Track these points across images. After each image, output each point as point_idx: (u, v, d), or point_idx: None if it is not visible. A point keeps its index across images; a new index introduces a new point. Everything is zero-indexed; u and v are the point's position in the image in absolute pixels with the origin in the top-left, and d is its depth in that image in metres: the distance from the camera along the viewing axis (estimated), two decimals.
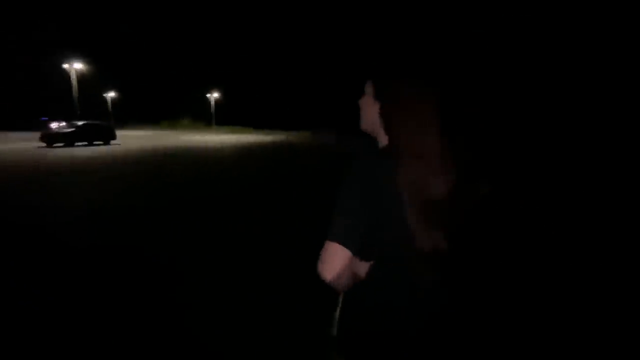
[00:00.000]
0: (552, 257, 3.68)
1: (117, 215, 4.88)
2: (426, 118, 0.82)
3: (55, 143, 16.36)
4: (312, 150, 18.72)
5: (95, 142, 18.32)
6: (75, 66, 32.53)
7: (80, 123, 18.00)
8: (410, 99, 0.83)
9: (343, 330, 0.90)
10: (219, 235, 4.13)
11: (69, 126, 17.54)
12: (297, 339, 2.11)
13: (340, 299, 0.94)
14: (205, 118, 52.48)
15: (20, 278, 2.87)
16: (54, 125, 17.85)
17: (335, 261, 0.76)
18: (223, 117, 51.50)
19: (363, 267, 0.84)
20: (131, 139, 23.37)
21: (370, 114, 0.91)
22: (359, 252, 0.81)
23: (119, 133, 21.51)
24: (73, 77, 32.35)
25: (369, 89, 0.92)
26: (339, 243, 0.76)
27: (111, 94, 48.61)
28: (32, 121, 29.35)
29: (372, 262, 0.83)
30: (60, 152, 13.91)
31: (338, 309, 0.94)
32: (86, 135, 17.80)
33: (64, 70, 33.18)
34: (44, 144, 16.21)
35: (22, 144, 16.86)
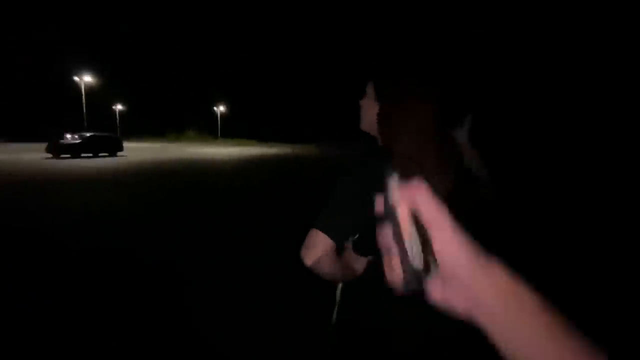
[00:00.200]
0: (551, 258, 3.69)
1: (119, 221, 4.84)
2: (423, 119, 0.82)
3: (61, 154, 16.32)
4: (318, 162, 18.53)
5: (101, 154, 18.28)
6: (85, 79, 33.07)
7: (87, 134, 18.02)
8: (409, 100, 0.83)
9: (340, 325, 0.91)
10: (220, 243, 4.13)
11: (75, 137, 17.55)
12: (299, 342, 2.10)
13: (338, 294, 0.94)
14: (211, 130, 52.88)
15: (24, 281, 2.90)
16: (68, 136, 17.90)
17: (316, 247, 0.77)
18: (229, 130, 51.87)
19: (360, 263, 0.86)
20: (137, 151, 23.45)
21: (370, 114, 0.92)
22: (355, 247, 0.84)
23: (126, 145, 21.53)
24: (82, 89, 32.84)
25: (370, 90, 0.94)
26: (321, 230, 0.77)
27: (119, 107, 49.25)
28: (39, 131, 29.58)
29: (369, 259, 0.85)
30: (67, 163, 13.82)
31: (335, 309, 0.94)
32: (93, 147, 17.78)
33: (73, 82, 33.74)
34: (50, 155, 16.20)
35: (27, 155, 16.87)
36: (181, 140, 48.21)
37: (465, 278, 0.28)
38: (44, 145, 17.09)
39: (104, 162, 15.05)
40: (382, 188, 0.70)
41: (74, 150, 16.80)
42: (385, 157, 0.81)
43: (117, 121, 48.24)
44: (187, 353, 2.00)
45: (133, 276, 3.03)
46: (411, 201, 0.31)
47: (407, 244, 0.33)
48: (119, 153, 19.38)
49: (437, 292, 0.30)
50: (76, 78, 33.30)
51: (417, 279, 0.32)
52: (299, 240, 0.80)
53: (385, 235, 0.34)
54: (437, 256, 0.30)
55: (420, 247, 0.39)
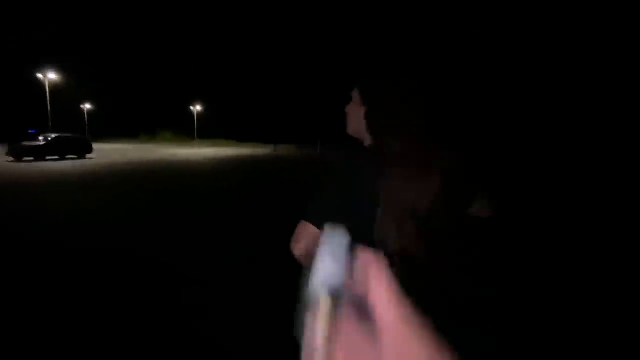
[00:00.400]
0: (542, 264, 3.65)
1: (89, 226, 4.62)
2: (409, 124, 0.83)
3: (24, 157, 15.29)
4: (299, 163, 18.38)
5: (68, 156, 17.29)
6: (50, 76, 31.20)
7: (52, 136, 16.98)
8: (394, 105, 0.85)
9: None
10: (199, 245, 4.12)
11: (39, 139, 16.51)
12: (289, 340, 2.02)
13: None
14: (187, 131, 51.36)
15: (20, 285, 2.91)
16: (41, 138, 16.79)
17: (305, 238, 0.79)
18: (206, 131, 50.55)
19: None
20: (108, 153, 22.41)
21: (356, 119, 0.94)
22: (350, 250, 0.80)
23: (95, 147, 20.51)
24: (47, 87, 30.98)
25: (355, 95, 0.95)
26: (309, 221, 0.80)
27: (87, 106, 46.90)
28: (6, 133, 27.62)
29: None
30: (31, 166, 12.94)
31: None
32: (59, 149, 16.78)
33: (36, 79, 31.77)
34: (11, 159, 15.14)
35: None
36: (155, 142, 46.54)
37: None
38: (4, 147, 16.02)
39: (71, 165, 14.22)
40: (363, 189, 0.78)
41: (38, 153, 15.78)
42: (372, 159, 0.83)
43: (86, 121, 45.95)
44: (185, 352, 2.02)
45: (109, 275, 3.02)
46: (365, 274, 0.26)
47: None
48: (87, 155, 18.42)
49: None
50: (40, 75, 31.37)
51: None
52: (281, 240, 0.83)
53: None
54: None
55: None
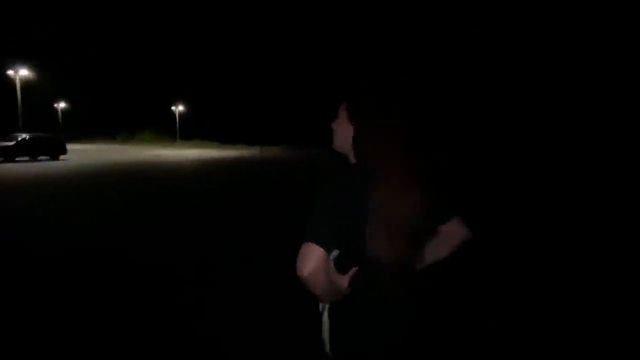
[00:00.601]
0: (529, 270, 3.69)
1: (59, 231, 4.33)
2: (396, 141, 0.87)
3: None
4: (287, 165, 18.08)
5: (41, 157, 16.33)
6: (21, 72, 29.57)
7: (23, 135, 16.01)
8: (383, 124, 0.89)
9: (334, 347, 0.93)
10: (191, 246, 4.09)
11: (8, 139, 15.52)
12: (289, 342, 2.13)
13: (325, 318, 0.95)
14: (169, 132, 49.90)
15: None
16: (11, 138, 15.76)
17: (311, 258, 0.79)
18: (189, 131, 49.22)
19: (342, 280, 0.88)
20: (84, 154, 21.43)
21: (344, 135, 0.96)
22: (338, 264, 0.89)
23: (71, 147, 19.51)
24: (17, 84, 29.33)
25: (342, 112, 0.97)
26: (314, 242, 0.80)
27: (62, 104, 44.87)
28: None
29: (351, 277, 0.88)
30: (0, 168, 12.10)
31: (326, 329, 0.96)
32: (30, 150, 15.82)
33: (7, 76, 30.05)
34: None
35: None
36: (135, 142, 45.00)
37: None
38: None
39: (43, 166, 13.41)
40: (357, 204, 0.83)
41: (8, 154, 14.85)
42: (361, 175, 0.86)
43: (60, 120, 43.92)
44: (183, 352, 2.02)
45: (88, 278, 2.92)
46: None
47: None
48: (61, 156, 17.46)
49: None
50: (10, 72, 29.69)
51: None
52: (271, 241, 0.98)
53: None
54: None
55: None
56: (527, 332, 2.38)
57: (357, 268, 0.88)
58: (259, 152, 32.25)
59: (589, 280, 3.33)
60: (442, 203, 0.96)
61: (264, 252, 3.82)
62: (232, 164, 18.94)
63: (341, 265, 0.90)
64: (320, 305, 0.97)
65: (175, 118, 49.50)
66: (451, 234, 1.01)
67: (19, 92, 29.34)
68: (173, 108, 49.94)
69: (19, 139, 15.64)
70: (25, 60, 30.31)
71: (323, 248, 0.80)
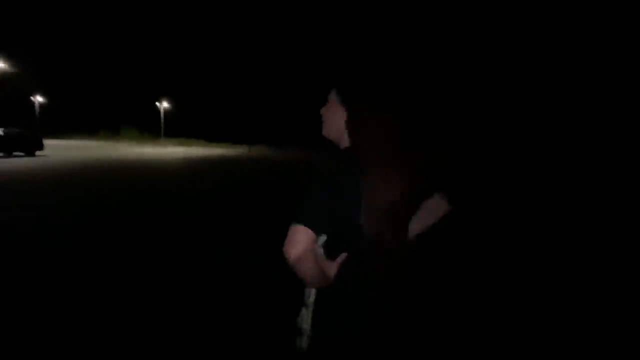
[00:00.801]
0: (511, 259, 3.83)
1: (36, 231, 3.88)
2: (388, 128, 0.89)
3: None
4: (282, 165, 17.72)
5: (16, 153, 15.39)
6: None
7: None
8: (375, 110, 0.90)
9: (318, 339, 0.92)
10: (185, 246, 3.98)
11: None
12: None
13: (308, 309, 0.94)
14: (152, 129, 48.48)
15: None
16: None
17: (299, 240, 0.79)
18: (173, 129, 47.96)
19: (331, 267, 0.88)
20: (62, 150, 20.40)
21: (334, 121, 0.96)
22: (327, 251, 0.89)
23: (48, 143, 18.53)
24: None
25: (333, 98, 0.97)
26: (303, 224, 0.80)
27: (39, 98, 42.91)
28: None
29: (339, 264, 0.88)
30: None
31: (304, 321, 0.95)
32: (4, 145, 14.88)
33: None
34: None
35: None
36: (117, 140, 43.48)
37: None
38: None
39: (17, 162, 12.60)
40: (348, 189, 0.84)
41: None
42: (352, 160, 0.87)
43: (37, 115, 41.99)
44: (181, 351, 2.00)
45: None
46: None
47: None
48: (38, 152, 16.53)
49: None
50: None
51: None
52: (265, 240, 0.98)
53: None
54: None
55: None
56: (517, 327, 2.40)
57: (345, 254, 0.88)
58: (248, 151, 31.65)
59: (589, 280, 3.35)
60: (427, 185, 0.98)
61: (258, 252, 3.73)
62: (221, 162, 18.41)
63: (330, 252, 0.89)
64: (307, 292, 0.95)
65: (160, 115, 48.17)
66: (433, 206, 1.04)
67: None
68: (157, 105, 48.56)
69: None
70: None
71: (312, 230, 0.79)
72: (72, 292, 2.65)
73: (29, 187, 7.64)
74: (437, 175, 1.03)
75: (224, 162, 18.59)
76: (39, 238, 4.01)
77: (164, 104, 48.54)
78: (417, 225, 1.02)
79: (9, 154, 15.08)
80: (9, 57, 29.47)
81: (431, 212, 1.05)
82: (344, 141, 0.95)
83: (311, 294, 0.94)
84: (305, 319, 0.94)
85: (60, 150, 20.16)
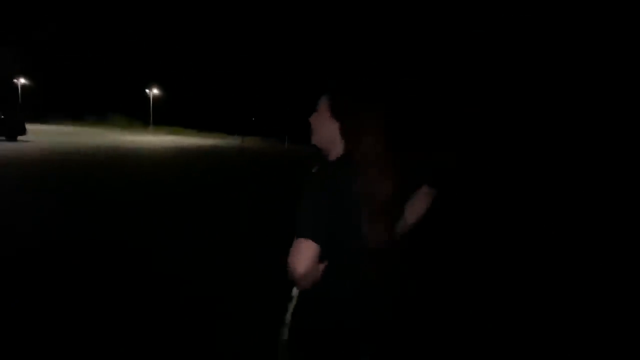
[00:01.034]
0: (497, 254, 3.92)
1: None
2: (380, 133, 0.93)
3: None
4: (278, 159, 17.32)
5: None
6: None
7: None
8: (367, 117, 0.94)
9: (296, 329, 0.95)
10: (182, 244, 3.80)
11: None
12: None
13: (292, 304, 0.98)
14: (141, 116, 47.14)
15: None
16: None
17: (306, 255, 0.80)
18: (163, 117, 46.73)
19: (321, 267, 0.90)
20: (46, 135, 19.54)
21: (325, 129, 0.98)
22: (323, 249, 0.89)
23: (31, 127, 17.67)
24: None
25: (323, 106, 0.98)
26: (308, 238, 0.81)
27: (22, 80, 41.12)
28: None
29: (325, 263, 0.89)
30: None
31: (289, 313, 0.98)
32: None
33: None
34: None
35: None
36: (104, 126, 42.12)
37: None
38: None
39: None
40: (343, 193, 0.87)
41: None
42: (346, 165, 0.90)
43: (19, 98, 40.26)
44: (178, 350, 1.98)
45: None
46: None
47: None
48: (19, 137, 15.73)
49: None
50: None
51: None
52: (263, 240, 1.11)
53: None
54: None
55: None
56: (512, 325, 2.40)
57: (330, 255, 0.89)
58: (240, 142, 31.07)
59: (588, 279, 3.39)
60: (413, 186, 1.04)
61: (259, 250, 3.67)
62: (215, 154, 17.92)
63: (322, 252, 0.90)
64: (294, 290, 0.98)
65: (149, 102, 46.83)
66: (422, 195, 1.09)
67: None
68: (147, 92, 47.16)
69: None
70: None
71: (317, 243, 0.81)
72: (66, 290, 2.54)
73: (9, 173, 7.12)
74: (427, 175, 1.09)
75: (219, 153, 18.10)
76: (21, 230, 3.66)
77: (154, 91, 47.18)
78: (411, 215, 1.07)
79: None
80: None
81: (421, 201, 1.09)
82: (336, 148, 0.96)
83: (296, 293, 0.98)
84: (289, 311, 0.97)
85: (43, 135, 19.30)
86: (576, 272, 3.63)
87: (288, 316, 0.97)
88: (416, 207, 1.10)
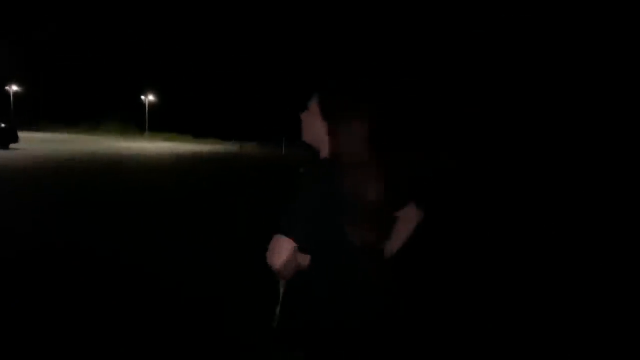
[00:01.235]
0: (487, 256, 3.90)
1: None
2: (366, 135, 0.94)
3: None
4: (285, 164, 17.10)
5: None
6: None
7: None
8: (356, 118, 0.95)
9: (285, 322, 0.98)
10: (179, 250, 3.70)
11: None
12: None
13: (281, 293, 1.02)
14: (136, 123, 46.66)
15: None
16: None
17: (281, 250, 0.85)
18: (158, 123, 46.27)
19: (304, 259, 0.93)
20: (39, 143, 19.14)
21: (314, 128, 1.01)
22: (302, 245, 0.90)
23: (24, 135, 17.29)
24: None
25: (313, 106, 1.01)
26: (285, 235, 0.85)
27: (14, 87, 40.57)
28: None
29: (312, 256, 0.93)
30: None
31: (279, 304, 1.02)
32: None
33: None
34: None
35: None
36: (99, 133, 41.57)
37: None
38: None
39: None
40: (328, 193, 0.89)
41: None
42: (331, 166, 0.91)
43: (11, 105, 39.67)
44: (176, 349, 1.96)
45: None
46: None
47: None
48: (12, 145, 15.33)
49: None
50: None
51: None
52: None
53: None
54: None
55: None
56: (508, 329, 2.38)
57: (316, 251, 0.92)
58: (239, 148, 30.77)
59: (587, 279, 3.37)
60: (400, 190, 1.02)
61: (256, 254, 3.40)
62: (214, 160, 17.66)
63: (306, 247, 0.93)
64: (281, 282, 1.00)
65: (144, 109, 46.42)
66: (407, 218, 1.06)
67: None
68: (142, 98, 46.78)
69: None
70: None
71: (293, 239, 0.84)
72: (65, 293, 2.52)
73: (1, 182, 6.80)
74: (414, 179, 1.07)
75: (218, 159, 17.85)
76: (14, 238, 3.52)
77: (149, 97, 46.82)
78: (396, 241, 1.05)
79: None
80: None
81: (406, 223, 1.06)
82: (323, 147, 0.98)
83: (282, 284, 1.00)
84: (279, 303, 1.01)
85: (36, 143, 18.90)
86: (576, 272, 3.61)
87: (276, 309, 1.01)
88: (401, 230, 1.07)
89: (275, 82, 50.03)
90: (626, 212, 6.90)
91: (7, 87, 40.08)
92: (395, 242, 1.05)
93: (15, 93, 40.72)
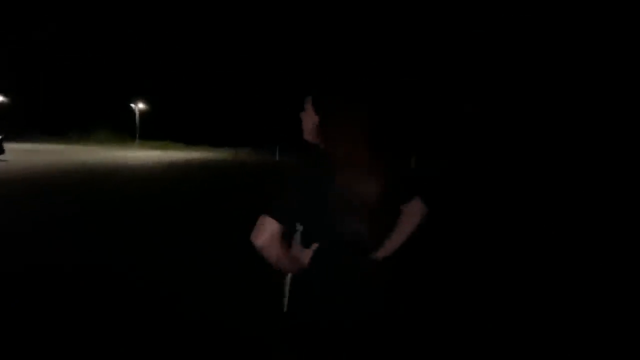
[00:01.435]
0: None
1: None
2: (358, 132, 0.96)
3: None
4: (273, 169, 16.90)
5: None
6: None
7: None
8: (346, 116, 0.97)
9: (290, 319, 0.99)
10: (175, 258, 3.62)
11: None
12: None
13: (287, 287, 1.02)
14: (127, 131, 45.98)
15: None
16: None
17: (264, 230, 0.86)
18: (150, 131, 45.66)
19: (305, 255, 0.95)
20: (25, 154, 18.57)
21: (310, 125, 1.05)
22: (286, 226, 0.91)
23: (9, 146, 16.79)
24: None
25: (308, 104, 1.05)
26: (269, 215, 0.87)
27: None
28: None
29: (314, 251, 0.95)
30: None
31: (285, 296, 1.03)
32: None
33: None
34: None
35: None
36: (89, 143, 40.81)
37: None
38: None
39: None
40: (321, 187, 0.90)
41: None
42: (326, 161, 0.93)
43: None
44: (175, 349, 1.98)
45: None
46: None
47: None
48: None
49: None
50: None
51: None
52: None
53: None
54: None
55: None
56: (508, 329, 2.37)
57: (317, 244, 0.94)
58: (234, 155, 30.45)
59: (588, 280, 3.37)
60: (401, 186, 1.03)
61: (252, 257, 3.34)
62: (208, 167, 17.37)
63: (306, 240, 0.96)
64: (286, 277, 1.03)
65: (135, 117, 45.79)
66: (411, 212, 1.08)
67: None
68: (132, 106, 46.15)
69: None
70: None
71: (278, 222, 0.85)
72: (65, 300, 2.54)
73: None
74: (409, 176, 1.08)
75: (217, 167, 17.57)
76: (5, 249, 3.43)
77: (140, 105, 46.24)
78: (399, 236, 1.06)
79: None
80: None
81: (410, 217, 1.07)
82: (321, 143, 1.00)
83: (287, 280, 1.03)
84: (285, 296, 1.03)
85: (22, 154, 18.37)
86: (576, 272, 3.61)
87: (285, 303, 1.02)
88: (402, 225, 1.08)
89: (267, 88, 49.87)
90: (626, 212, 6.97)
91: None
92: (398, 236, 1.07)
93: (0, 103, 39.78)
